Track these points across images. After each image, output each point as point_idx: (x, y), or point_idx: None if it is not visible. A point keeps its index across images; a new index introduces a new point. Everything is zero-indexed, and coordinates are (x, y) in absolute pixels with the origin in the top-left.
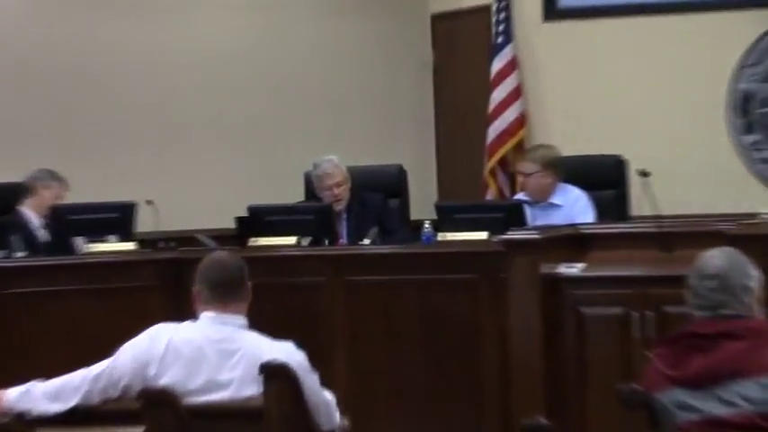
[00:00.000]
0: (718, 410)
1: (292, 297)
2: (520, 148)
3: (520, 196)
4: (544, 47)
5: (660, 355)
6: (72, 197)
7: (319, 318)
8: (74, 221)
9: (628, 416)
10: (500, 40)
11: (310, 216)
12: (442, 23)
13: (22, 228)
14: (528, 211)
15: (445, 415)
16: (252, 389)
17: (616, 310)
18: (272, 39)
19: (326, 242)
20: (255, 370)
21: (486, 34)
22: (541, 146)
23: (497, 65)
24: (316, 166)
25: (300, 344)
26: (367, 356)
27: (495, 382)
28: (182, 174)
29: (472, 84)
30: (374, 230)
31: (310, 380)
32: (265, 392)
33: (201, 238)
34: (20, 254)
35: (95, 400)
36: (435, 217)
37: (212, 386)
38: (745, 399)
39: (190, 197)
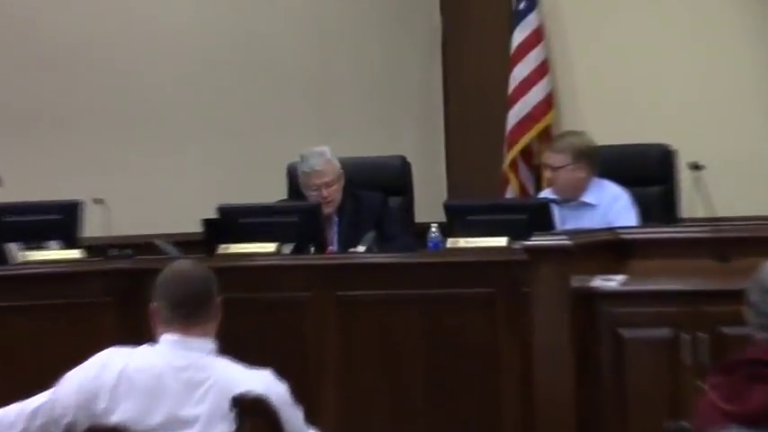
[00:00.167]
0: None
1: (271, 316)
2: (546, 135)
3: (546, 194)
4: (576, 14)
5: (715, 386)
6: (4, 195)
7: (304, 341)
8: (7, 224)
9: None
10: (523, 5)
11: (293, 218)
12: None
13: None
14: (556, 211)
15: None
16: (222, 427)
17: (662, 332)
18: (249, 5)
19: (313, 249)
20: (226, 404)
21: None
22: (571, 133)
23: (519, 36)
24: (303, 158)
25: (281, 373)
26: (362, 388)
27: (516, 419)
28: (138, 167)
29: (489, 58)
30: (371, 235)
31: (292, 416)
32: (238, 431)
33: (161, 244)
34: None
35: None
36: (444, 219)
37: (174, 423)
38: None
39: (147, 195)
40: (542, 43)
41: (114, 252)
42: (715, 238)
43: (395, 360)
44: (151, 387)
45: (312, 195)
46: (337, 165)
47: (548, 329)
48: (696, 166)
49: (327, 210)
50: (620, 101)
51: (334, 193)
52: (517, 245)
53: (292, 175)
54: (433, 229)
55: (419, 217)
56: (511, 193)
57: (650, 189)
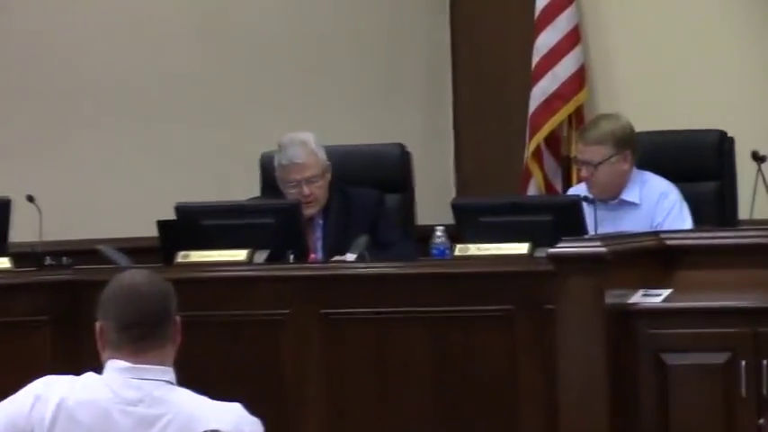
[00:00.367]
0: None
1: (242, 338)
2: (578, 119)
3: (577, 190)
4: None
5: None
6: None
7: (282, 369)
8: None
9: None
10: None
11: (268, 219)
12: None
13: None
14: (589, 211)
15: None
16: None
17: (715, 357)
18: None
19: (292, 258)
20: None
21: None
22: (604, 117)
23: None
24: (281, 148)
25: (253, 406)
26: (352, 426)
27: None
28: (78, 158)
29: (507, 25)
30: (362, 241)
31: None
32: None
33: (107, 251)
34: None
35: None
36: (452, 221)
37: None
38: None
39: (90, 192)
40: (573, 6)
41: (50, 261)
42: None
43: (393, 392)
44: (96, 424)
45: (291, 193)
46: (323, 156)
47: (577, 354)
48: (759, 157)
49: (309, 210)
50: (666, 78)
51: (318, 191)
52: (540, 252)
53: (267, 167)
54: (439, 234)
55: (421, 218)
56: (533, 189)
57: (702, 185)
